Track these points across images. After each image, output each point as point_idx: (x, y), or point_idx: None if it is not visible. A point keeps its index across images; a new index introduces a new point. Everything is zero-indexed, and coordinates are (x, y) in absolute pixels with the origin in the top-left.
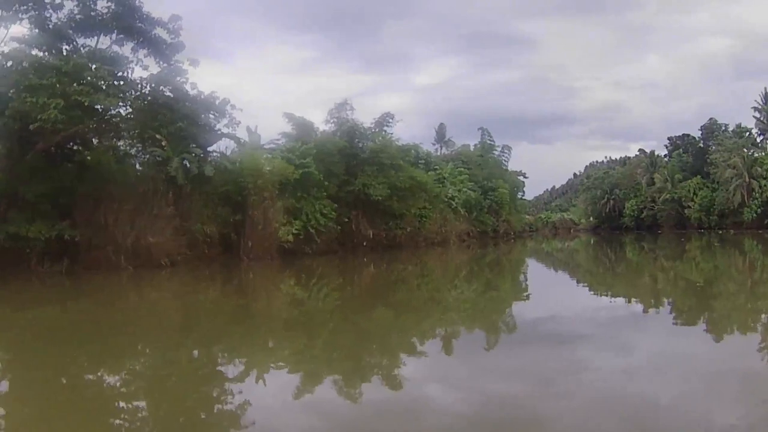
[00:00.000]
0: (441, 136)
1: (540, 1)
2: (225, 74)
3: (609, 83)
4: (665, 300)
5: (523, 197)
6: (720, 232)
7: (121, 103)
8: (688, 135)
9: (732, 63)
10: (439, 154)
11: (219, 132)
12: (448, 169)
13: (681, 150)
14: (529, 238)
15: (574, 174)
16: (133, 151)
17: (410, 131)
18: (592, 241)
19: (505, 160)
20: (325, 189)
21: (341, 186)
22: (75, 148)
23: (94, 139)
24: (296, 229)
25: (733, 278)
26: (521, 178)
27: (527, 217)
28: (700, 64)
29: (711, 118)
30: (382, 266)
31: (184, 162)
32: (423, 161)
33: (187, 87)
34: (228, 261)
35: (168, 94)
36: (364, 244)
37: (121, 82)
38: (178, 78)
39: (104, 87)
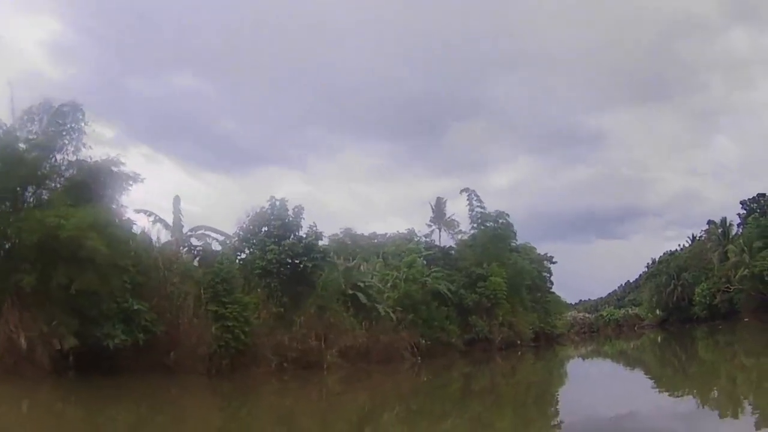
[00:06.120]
0: (439, 215)
1: (606, 94)
2: (300, 183)
3: (681, 171)
4: None
5: (551, 289)
6: None
7: None
8: (764, 195)
9: None
10: (436, 236)
11: None
12: (387, 249)
13: (757, 213)
14: (588, 339)
15: (647, 265)
16: None
17: None
18: (659, 339)
19: (509, 232)
20: None
21: None
22: None
23: None
24: None
25: None
26: (546, 263)
27: (576, 314)
28: None
29: None
30: None
31: None
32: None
33: None
34: None
35: None
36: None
37: None
38: None
39: None
